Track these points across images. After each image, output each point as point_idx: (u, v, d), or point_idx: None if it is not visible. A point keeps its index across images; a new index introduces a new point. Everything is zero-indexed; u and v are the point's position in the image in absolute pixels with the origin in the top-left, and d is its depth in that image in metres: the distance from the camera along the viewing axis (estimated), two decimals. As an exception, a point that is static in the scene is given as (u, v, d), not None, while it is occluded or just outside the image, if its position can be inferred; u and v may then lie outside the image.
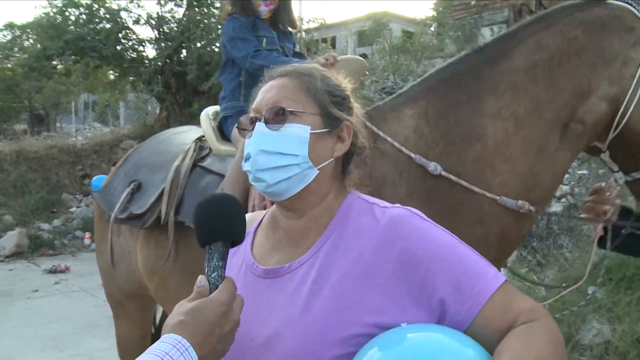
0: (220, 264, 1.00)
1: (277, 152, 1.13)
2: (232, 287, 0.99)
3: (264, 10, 2.67)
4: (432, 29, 13.55)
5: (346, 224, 1.16)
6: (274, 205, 1.27)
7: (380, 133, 1.94)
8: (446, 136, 1.90)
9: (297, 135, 1.14)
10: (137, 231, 2.64)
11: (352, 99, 1.25)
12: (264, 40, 2.64)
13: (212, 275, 0.99)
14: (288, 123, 1.14)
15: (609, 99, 1.86)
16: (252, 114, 1.20)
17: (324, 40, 19.88)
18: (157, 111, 17.17)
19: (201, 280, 1.00)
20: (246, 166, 1.18)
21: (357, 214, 1.17)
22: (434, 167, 1.86)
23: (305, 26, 14.32)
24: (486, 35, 11.23)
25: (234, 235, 1.04)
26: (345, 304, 1.07)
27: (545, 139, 1.88)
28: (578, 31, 1.88)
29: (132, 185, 2.68)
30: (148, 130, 15.04)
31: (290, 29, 2.87)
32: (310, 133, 1.15)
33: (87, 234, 11.74)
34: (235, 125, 2.58)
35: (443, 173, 1.85)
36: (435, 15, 12.80)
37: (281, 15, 2.77)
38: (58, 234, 11.72)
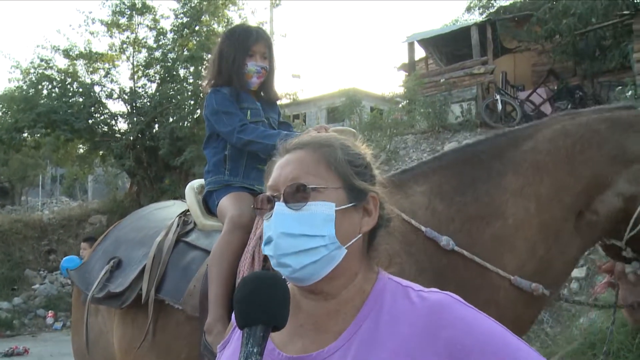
0: (255, 350, 0.91)
1: (301, 234, 1.05)
2: None
3: (254, 82, 2.62)
4: (401, 105, 13.84)
5: (381, 309, 1.06)
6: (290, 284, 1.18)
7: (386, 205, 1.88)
8: (463, 212, 1.86)
9: (321, 213, 1.06)
10: (114, 310, 2.49)
11: (373, 167, 1.19)
12: (249, 112, 2.57)
13: None
14: (311, 201, 1.06)
15: (625, 197, 1.89)
16: (269, 192, 1.12)
17: (296, 117, 20.22)
18: (127, 186, 16.98)
19: None
20: (267, 250, 1.09)
21: (392, 298, 1.08)
22: (445, 241, 1.79)
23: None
24: (456, 111, 11.52)
25: (276, 320, 0.95)
26: None
27: (562, 224, 1.88)
28: (602, 125, 1.94)
29: (111, 263, 2.56)
30: (117, 205, 14.85)
31: (273, 99, 2.83)
32: (336, 210, 1.07)
33: (51, 313, 11.29)
34: (220, 200, 2.50)
35: (456, 248, 1.79)
36: (405, 92, 13.10)
37: (266, 86, 2.73)
38: (18, 312, 11.24)
